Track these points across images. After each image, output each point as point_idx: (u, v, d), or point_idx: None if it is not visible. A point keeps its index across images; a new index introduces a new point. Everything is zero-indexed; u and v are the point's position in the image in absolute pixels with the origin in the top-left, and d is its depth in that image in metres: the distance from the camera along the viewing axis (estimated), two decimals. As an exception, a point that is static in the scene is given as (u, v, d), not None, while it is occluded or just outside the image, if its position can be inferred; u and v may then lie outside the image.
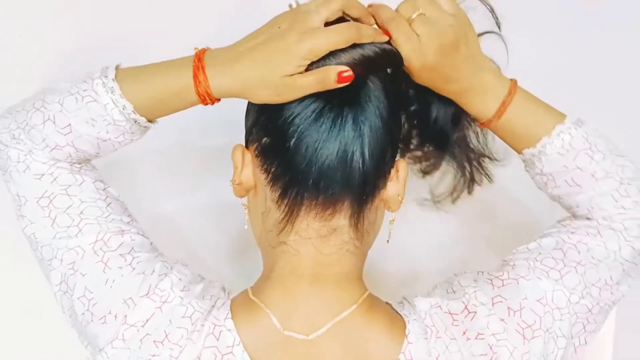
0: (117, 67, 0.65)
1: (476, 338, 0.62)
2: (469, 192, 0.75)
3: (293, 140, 0.59)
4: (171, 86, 0.62)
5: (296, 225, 0.62)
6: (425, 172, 0.75)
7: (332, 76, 0.57)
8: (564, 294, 0.64)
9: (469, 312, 0.63)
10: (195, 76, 0.60)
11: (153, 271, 0.64)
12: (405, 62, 0.61)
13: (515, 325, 0.63)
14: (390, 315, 0.64)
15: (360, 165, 0.59)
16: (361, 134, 0.59)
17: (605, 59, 1.06)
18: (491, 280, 0.66)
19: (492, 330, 0.62)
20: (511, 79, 0.67)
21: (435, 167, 0.72)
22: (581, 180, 0.67)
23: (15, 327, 0.99)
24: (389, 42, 0.60)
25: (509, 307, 0.63)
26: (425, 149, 0.70)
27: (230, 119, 0.71)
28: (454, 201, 0.76)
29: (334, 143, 0.58)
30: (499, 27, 0.69)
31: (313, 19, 0.58)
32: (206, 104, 0.62)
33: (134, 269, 0.64)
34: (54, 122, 0.64)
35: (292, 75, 0.57)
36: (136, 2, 1.01)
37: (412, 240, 0.98)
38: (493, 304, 0.63)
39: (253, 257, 0.74)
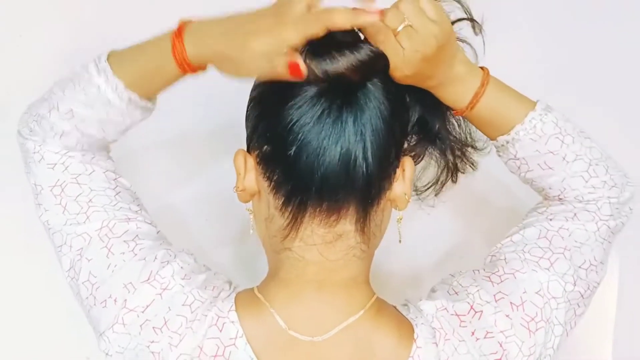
0: (109, 52, 0.68)
1: (485, 337, 0.62)
2: (454, 181, 0.76)
3: (294, 148, 0.58)
4: (154, 56, 0.64)
5: (300, 232, 0.61)
6: None
7: (282, 65, 0.56)
8: (559, 283, 0.65)
9: (476, 312, 0.63)
10: (173, 43, 0.62)
11: (155, 258, 0.64)
12: (390, 71, 0.62)
13: (520, 320, 0.63)
14: (398, 319, 0.64)
15: (364, 169, 0.59)
16: (363, 137, 0.58)
17: (609, 57, 1.06)
18: (489, 277, 0.66)
19: (500, 328, 0.62)
20: (482, 68, 0.69)
21: (418, 158, 0.71)
22: (553, 163, 0.70)
23: (15, 327, 0.99)
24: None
25: (511, 302, 0.64)
26: (408, 140, 0.70)
27: (232, 113, 0.71)
28: (437, 194, 0.77)
29: (335, 149, 0.58)
30: (473, 29, 0.70)
31: (295, 9, 0.57)
32: (185, 72, 0.63)
33: (135, 254, 0.65)
34: (58, 110, 0.67)
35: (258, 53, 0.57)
36: (136, 2, 1.01)
37: (414, 238, 0.98)
38: (496, 300, 0.64)
39: (256, 249, 0.74)
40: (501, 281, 0.65)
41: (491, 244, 0.72)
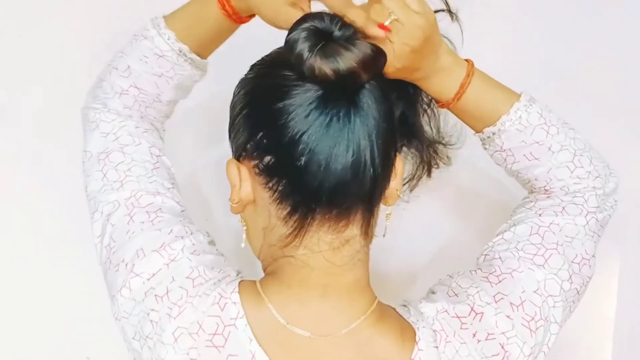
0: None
1: (487, 339, 0.62)
2: (429, 176, 0.78)
3: (303, 159, 0.57)
4: (199, 3, 0.71)
5: (305, 240, 0.60)
6: None
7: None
8: (555, 282, 0.65)
9: (477, 314, 0.63)
10: None
11: (170, 231, 0.65)
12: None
13: (521, 320, 0.63)
14: (399, 323, 0.63)
15: (372, 173, 0.58)
16: (371, 141, 0.58)
17: (613, 56, 1.06)
18: (487, 277, 0.66)
19: (502, 329, 0.62)
20: (467, 60, 0.69)
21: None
22: (539, 154, 0.70)
23: (15, 326, 0.99)
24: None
25: (511, 303, 0.63)
26: None
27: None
28: (412, 189, 0.78)
29: (346, 156, 0.57)
30: (451, 18, 0.72)
31: None
32: (227, 13, 0.69)
33: (153, 225, 0.66)
34: (117, 68, 0.73)
35: (291, 3, 0.62)
36: (136, 1, 1.01)
37: (410, 236, 0.98)
38: (496, 301, 0.63)
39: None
40: (499, 281, 0.65)
41: (487, 242, 0.72)
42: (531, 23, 1.08)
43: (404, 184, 0.75)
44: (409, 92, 0.70)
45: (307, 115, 0.57)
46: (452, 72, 0.68)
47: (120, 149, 0.70)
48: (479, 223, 1.00)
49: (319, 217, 0.59)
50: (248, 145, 0.61)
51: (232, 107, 0.64)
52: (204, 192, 1.01)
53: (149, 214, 0.67)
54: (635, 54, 1.06)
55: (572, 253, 0.67)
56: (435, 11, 0.66)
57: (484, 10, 1.07)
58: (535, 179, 0.72)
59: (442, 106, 0.71)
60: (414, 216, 0.95)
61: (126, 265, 0.64)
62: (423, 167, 0.76)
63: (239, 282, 0.63)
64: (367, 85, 0.59)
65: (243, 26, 0.72)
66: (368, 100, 0.58)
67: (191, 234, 0.67)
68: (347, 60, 0.56)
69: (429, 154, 0.76)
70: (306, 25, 0.58)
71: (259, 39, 0.67)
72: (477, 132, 0.72)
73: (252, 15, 0.70)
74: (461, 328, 0.62)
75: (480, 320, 0.62)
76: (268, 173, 0.60)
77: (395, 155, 0.63)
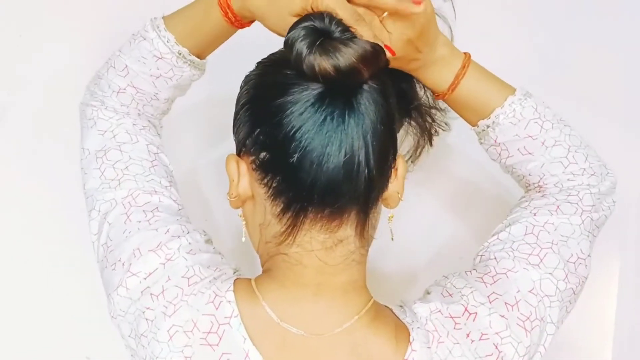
0: (165, 15, 0.74)
1: (480, 339, 0.61)
2: (431, 145, 0.80)
3: (296, 155, 0.57)
4: (202, 6, 0.70)
5: (298, 238, 0.60)
6: None
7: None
8: (551, 281, 0.65)
9: (470, 314, 0.63)
10: None
11: (167, 231, 0.66)
12: None
13: (516, 320, 0.63)
14: (394, 323, 0.63)
15: (366, 174, 0.58)
16: (365, 142, 0.58)
17: (613, 57, 1.06)
18: (481, 278, 0.66)
19: (495, 329, 0.62)
20: (465, 53, 0.71)
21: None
22: (532, 148, 0.71)
23: (16, 326, 0.99)
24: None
25: (506, 302, 0.63)
26: None
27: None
28: (413, 160, 0.80)
29: (339, 155, 0.57)
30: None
31: None
32: (228, 19, 0.68)
33: (150, 224, 0.66)
34: (114, 67, 0.73)
35: (296, 15, 0.61)
36: (136, 1, 1.01)
37: (408, 236, 0.98)
38: (490, 302, 0.63)
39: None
40: (494, 282, 0.65)
41: (485, 241, 0.72)
42: (531, 23, 1.08)
43: (408, 159, 0.77)
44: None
45: (302, 113, 0.57)
46: (448, 63, 0.69)
47: (118, 147, 0.71)
48: (478, 223, 1.00)
49: (311, 216, 0.59)
50: (247, 141, 0.61)
51: (237, 102, 0.64)
52: (204, 190, 1.01)
53: (146, 213, 0.67)
54: (636, 54, 1.06)
55: (567, 252, 0.67)
56: None
57: (484, 10, 1.07)
58: (529, 174, 0.72)
59: (438, 97, 0.72)
60: (413, 216, 0.95)
61: (123, 264, 0.65)
62: (424, 138, 0.77)
63: (235, 280, 0.63)
64: (366, 87, 0.59)
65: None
66: (366, 101, 0.58)
67: (188, 232, 0.67)
68: (347, 56, 0.56)
69: (428, 122, 0.77)
70: (306, 24, 0.58)
71: (259, 38, 0.68)
72: (472, 126, 0.73)
73: (253, 20, 0.70)
74: (455, 328, 0.62)
75: (474, 321, 0.62)
76: (263, 169, 0.60)
77: (395, 158, 0.63)
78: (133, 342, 0.64)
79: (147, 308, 0.62)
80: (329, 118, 0.57)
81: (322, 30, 0.58)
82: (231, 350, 0.60)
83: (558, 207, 0.69)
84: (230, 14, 0.68)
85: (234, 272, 0.66)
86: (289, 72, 0.59)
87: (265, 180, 0.60)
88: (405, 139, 0.78)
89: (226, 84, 0.66)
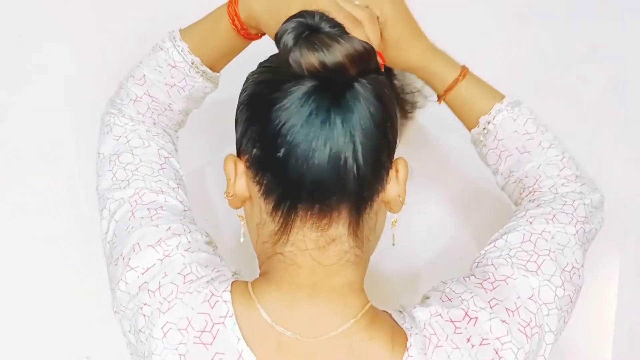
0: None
1: (481, 344, 0.61)
2: (405, 118, 0.86)
3: (283, 150, 0.57)
4: (213, 17, 0.74)
5: (292, 237, 0.60)
6: None
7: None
8: (550, 288, 0.65)
9: (471, 318, 0.62)
10: (228, 3, 0.72)
11: (168, 228, 0.66)
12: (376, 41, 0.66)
13: (517, 325, 0.62)
14: (392, 328, 0.62)
15: (355, 171, 0.57)
16: (352, 139, 0.57)
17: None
18: (481, 284, 0.65)
19: (496, 334, 0.61)
20: (462, 67, 0.77)
21: None
22: (531, 147, 0.75)
23: (16, 326, 0.99)
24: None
25: (506, 308, 0.63)
26: None
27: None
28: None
29: (324, 150, 0.56)
30: None
31: None
32: (238, 32, 0.72)
33: (152, 220, 0.67)
34: (134, 76, 0.77)
35: None
36: (136, 2, 1.01)
37: (409, 239, 0.98)
38: (491, 307, 0.63)
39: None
40: (494, 288, 0.64)
41: (486, 242, 0.72)
42: (531, 23, 1.08)
43: None
44: None
45: (289, 107, 0.57)
46: (443, 75, 0.76)
47: (130, 151, 0.73)
48: (478, 223, 1.00)
49: (301, 213, 0.59)
50: (243, 139, 0.61)
51: (237, 103, 0.64)
52: (206, 192, 1.01)
53: (150, 210, 0.68)
54: (636, 54, 1.06)
55: (563, 261, 0.67)
56: None
57: (484, 10, 1.07)
58: (526, 176, 0.75)
59: (440, 97, 0.77)
60: (413, 217, 0.95)
61: (123, 258, 0.65)
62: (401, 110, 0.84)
63: (233, 282, 0.63)
64: (358, 85, 0.58)
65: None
66: (355, 99, 0.57)
67: (189, 232, 0.67)
68: (334, 51, 0.56)
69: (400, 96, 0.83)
70: (296, 19, 0.59)
71: (270, 42, 0.67)
72: (473, 129, 0.78)
73: (263, 33, 0.72)
74: (455, 332, 0.61)
75: (474, 325, 0.61)
76: (255, 166, 0.60)
77: (390, 158, 0.62)
78: (133, 338, 0.64)
79: (145, 304, 0.62)
80: (314, 113, 0.56)
81: (311, 25, 0.58)
82: (224, 350, 0.59)
83: (554, 216, 0.70)
84: (237, 22, 0.71)
85: (233, 275, 0.66)
86: (284, 70, 0.58)
87: (257, 178, 0.60)
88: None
89: (233, 88, 0.66)
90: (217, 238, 0.72)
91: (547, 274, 0.65)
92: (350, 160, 0.57)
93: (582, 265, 0.69)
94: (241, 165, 0.62)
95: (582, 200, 0.71)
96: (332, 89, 0.57)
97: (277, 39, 0.59)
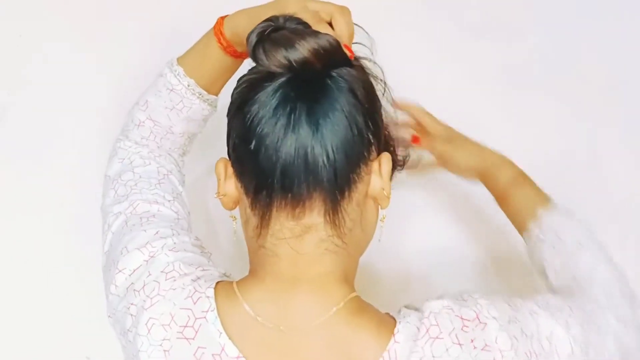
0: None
1: (483, 349, 0.60)
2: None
3: (254, 142, 0.59)
4: (203, 40, 0.78)
5: (271, 228, 0.61)
6: None
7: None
8: (569, 343, 0.63)
9: (480, 322, 0.61)
10: (215, 23, 0.75)
11: (156, 232, 0.68)
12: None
13: (526, 349, 0.61)
14: (378, 317, 0.62)
15: (325, 160, 0.58)
16: (319, 129, 0.58)
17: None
18: (507, 302, 0.64)
19: (500, 346, 0.60)
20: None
21: None
22: (584, 241, 0.77)
23: (16, 326, 0.99)
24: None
25: (522, 330, 0.61)
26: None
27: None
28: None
29: (290, 140, 0.58)
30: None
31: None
32: (225, 50, 0.75)
33: (142, 226, 0.69)
34: (138, 103, 0.81)
35: None
36: (135, 2, 1.01)
37: (408, 242, 0.98)
38: (509, 321, 0.62)
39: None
40: (517, 310, 0.63)
41: (484, 249, 0.71)
42: (531, 23, 1.08)
43: None
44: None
45: (259, 101, 0.59)
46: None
47: (132, 169, 0.76)
48: (479, 223, 1.00)
49: (276, 203, 0.60)
50: (229, 140, 0.64)
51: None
52: (205, 196, 1.02)
53: (142, 218, 0.70)
54: (636, 54, 1.06)
55: (592, 352, 0.65)
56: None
57: (483, 10, 1.07)
58: (576, 277, 0.74)
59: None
60: (413, 217, 0.95)
61: (113, 263, 0.67)
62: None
63: (219, 281, 0.64)
64: (328, 78, 0.60)
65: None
66: (324, 90, 0.59)
67: (177, 235, 0.68)
68: (299, 48, 0.58)
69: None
70: (263, 22, 0.62)
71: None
72: (524, 231, 0.80)
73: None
74: (462, 329, 0.60)
75: (482, 330, 0.60)
76: (236, 163, 0.63)
77: (370, 150, 0.62)
78: (124, 340, 0.64)
79: (131, 304, 0.63)
80: (281, 104, 0.58)
81: (276, 25, 0.61)
82: (206, 344, 0.60)
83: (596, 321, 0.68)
84: (223, 40, 0.74)
85: (222, 275, 0.66)
86: (264, 70, 0.61)
87: (238, 174, 0.63)
88: None
89: (227, 97, 0.67)
90: (215, 245, 0.72)
91: (574, 334, 0.64)
92: (317, 150, 0.58)
93: None
94: (231, 168, 0.64)
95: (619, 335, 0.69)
96: (302, 82, 0.59)
97: (247, 40, 0.62)
